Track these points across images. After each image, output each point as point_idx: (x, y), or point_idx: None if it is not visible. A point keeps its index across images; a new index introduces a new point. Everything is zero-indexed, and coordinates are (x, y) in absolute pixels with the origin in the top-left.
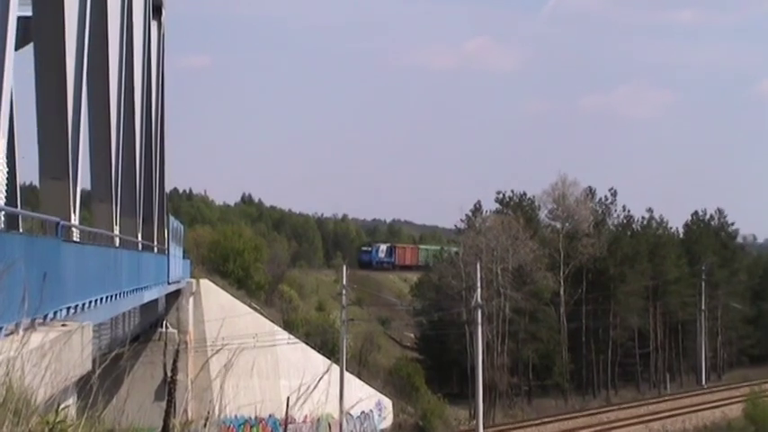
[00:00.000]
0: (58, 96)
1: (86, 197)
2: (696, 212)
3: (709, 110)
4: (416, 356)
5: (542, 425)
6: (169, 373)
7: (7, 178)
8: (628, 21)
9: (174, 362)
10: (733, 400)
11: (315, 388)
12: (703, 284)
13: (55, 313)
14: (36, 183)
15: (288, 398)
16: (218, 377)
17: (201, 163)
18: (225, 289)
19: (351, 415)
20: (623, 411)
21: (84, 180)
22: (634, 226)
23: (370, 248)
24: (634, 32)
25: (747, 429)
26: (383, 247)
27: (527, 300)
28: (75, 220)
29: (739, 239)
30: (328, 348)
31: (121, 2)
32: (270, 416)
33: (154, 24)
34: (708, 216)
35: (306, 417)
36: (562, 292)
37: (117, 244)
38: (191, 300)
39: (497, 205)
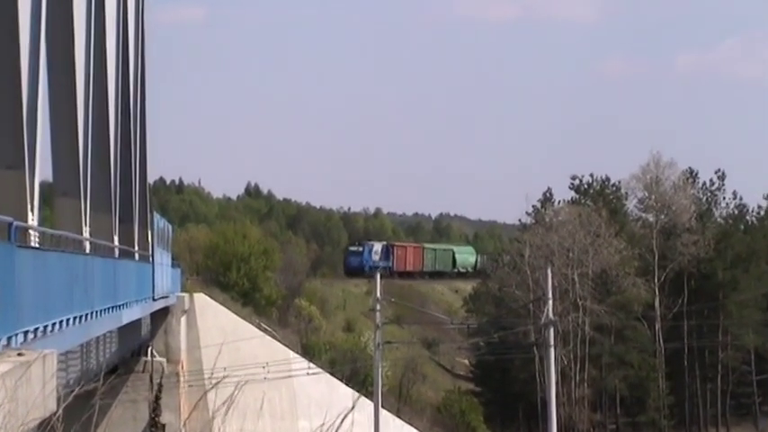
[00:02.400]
0: (9, 64)
1: (47, 190)
2: None
3: None
4: (472, 388)
5: None
6: (151, 414)
7: None
8: None
9: (157, 398)
10: None
11: (338, 427)
12: None
13: (9, 339)
14: None
15: None
16: (217, 417)
17: (194, 146)
18: (226, 305)
19: None
20: None
21: (43, 169)
22: (748, 218)
23: (361, 248)
24: None
25: None
26: (378, 246)
27: (612, 314)
28: (33, 219)
29: None
30: (359, 380)
31: None
32: None
33: None
34: None
35: None
36: (657, 304)
37: (87, 250)
38: (182, 320)
39: (573, 194)
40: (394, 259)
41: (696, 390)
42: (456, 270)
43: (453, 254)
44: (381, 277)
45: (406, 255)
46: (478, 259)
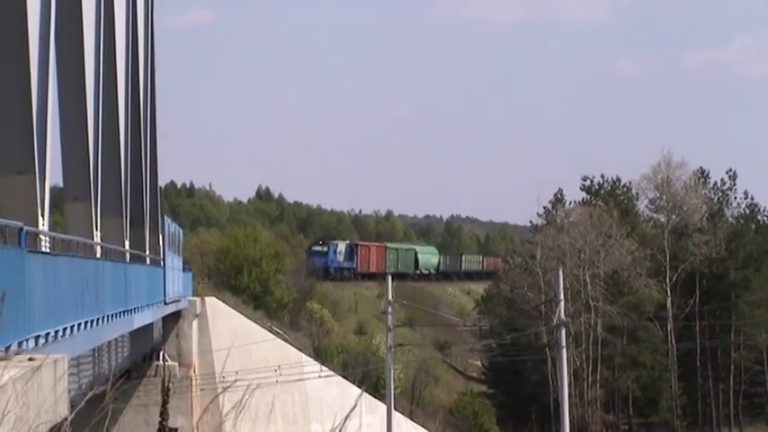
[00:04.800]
0: (18, 69)
1: (58, 196)
2: None
3: None
4: (485, 390)
5: None
6: (159, 418)
7: None
8: None
9: (164, 402)
10: None
11: (343, 426)
12: None
13: (19, 344)
14: None
15: None
16: (228, 420)
17: (205, 150)
18: (238, 309)
19: None
20: None
21: (54, 174)
22: (760, 217)
23: (326, 248)
24: None
25: None
26: (342, 246)
27: (624, 315)
28: (43, 224)
29: None
30: (371, 382)
31: None
32: None
33: None
34: None
35: None
36: (669, 304)
37: (98, 254)
38: (194, 324)
39: (584, 194)
40: (358, 260)
41: (709, 390)
42: (418, 272)
43: (416, 254)
44: (344, 279)
45: (369, 255)
46: (441, 260)
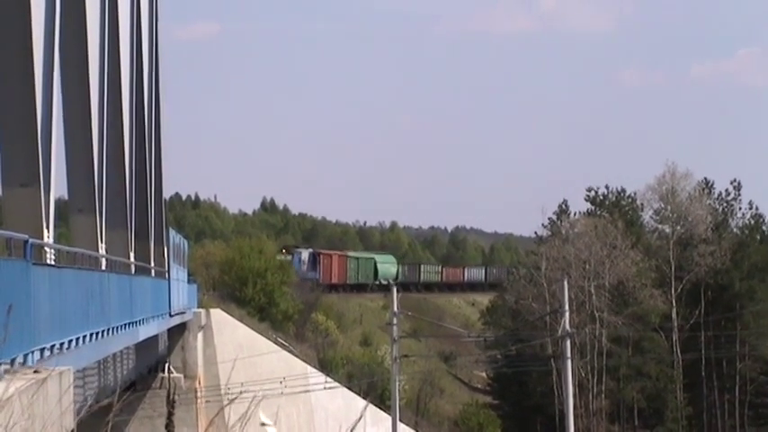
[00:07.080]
0: (22, 82)
1: (63, 208)
2: None
3: None
4: (490, 401)
5: None
6: (164, 430)
7: None
8: None
9: (170, 414)
10: None
11: None
12: None
13: (25, 357)
14: None
15: None
16: None
17: (210, 161)
18: (243, 321)
19: None
20: None
21: (59, 186)
22: (764, 228)
23: (290, 256)
24: None
25: None
26: (305, 254)
27: (629, 325)
28: (48, 237)
29: None
30: (377, 393)
31: None
32: None
33: None
34: None
35: None
36: (674, 315)
37: (103, 266)
38: (199, 336)
39: (588, 206)
40: (321, 269)
41: (714, 400)
42: (377, 282)
43: (375, 264)
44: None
45: (331, 264)
46: (400, 270)
